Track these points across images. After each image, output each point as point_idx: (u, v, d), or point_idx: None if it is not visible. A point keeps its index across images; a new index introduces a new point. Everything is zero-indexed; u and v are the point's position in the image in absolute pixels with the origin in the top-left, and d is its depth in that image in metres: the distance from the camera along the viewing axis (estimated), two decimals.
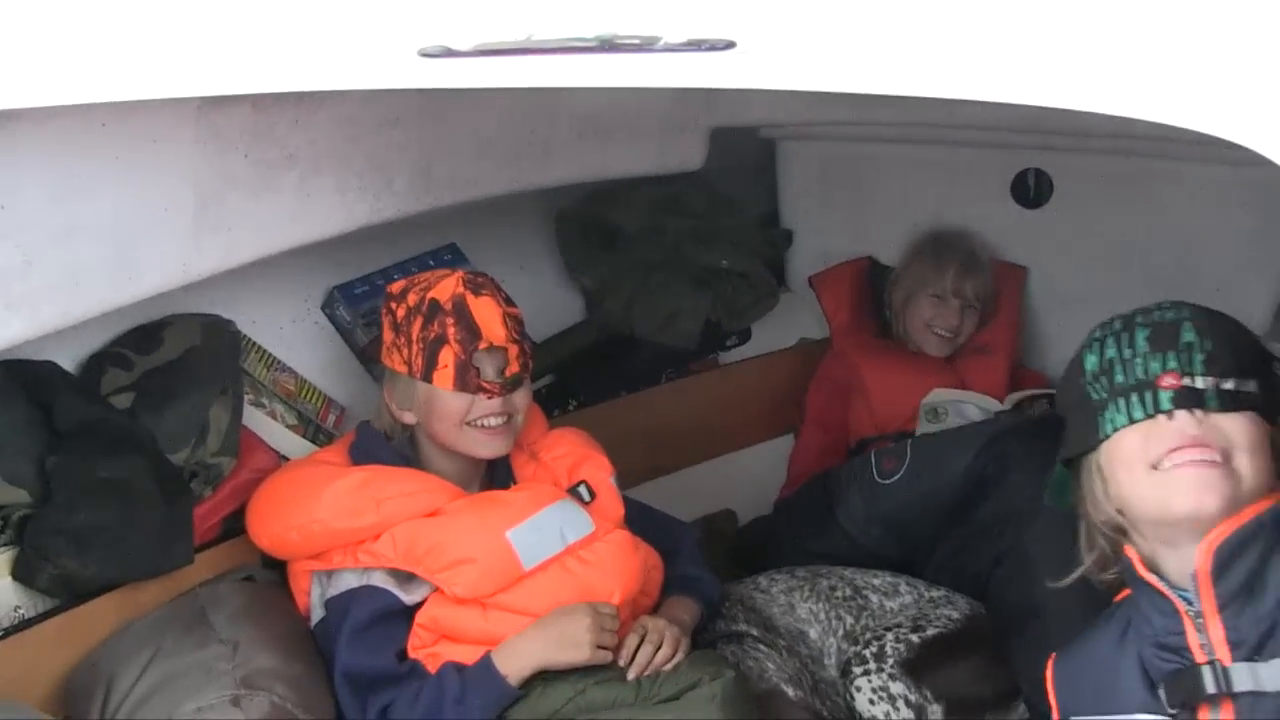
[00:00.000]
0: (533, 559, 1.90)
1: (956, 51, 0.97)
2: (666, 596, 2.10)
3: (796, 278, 3.09)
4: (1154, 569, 1.44)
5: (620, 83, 1.11)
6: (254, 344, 2.26)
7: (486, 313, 1.93)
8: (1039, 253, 2.97)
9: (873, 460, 2.49)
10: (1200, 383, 1.37)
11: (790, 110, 2.79)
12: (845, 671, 2.14)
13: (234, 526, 2.07)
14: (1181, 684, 1.40)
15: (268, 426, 2.18)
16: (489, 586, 1.88)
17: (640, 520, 2.12)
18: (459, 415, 1.93)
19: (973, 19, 0.96)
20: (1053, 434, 2.24)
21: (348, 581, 1.90)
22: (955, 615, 2.23)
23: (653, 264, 2.74)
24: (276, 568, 2.05)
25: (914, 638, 2.15)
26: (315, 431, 2.25)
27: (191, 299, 2.12)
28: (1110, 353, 1.45)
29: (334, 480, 1.93)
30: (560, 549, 1.93)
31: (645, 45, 1.06)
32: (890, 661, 2.11)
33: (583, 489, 2.05)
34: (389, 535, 1.88)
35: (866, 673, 2.10)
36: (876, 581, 2.33)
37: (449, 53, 1.13)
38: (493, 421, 1.95)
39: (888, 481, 2.43)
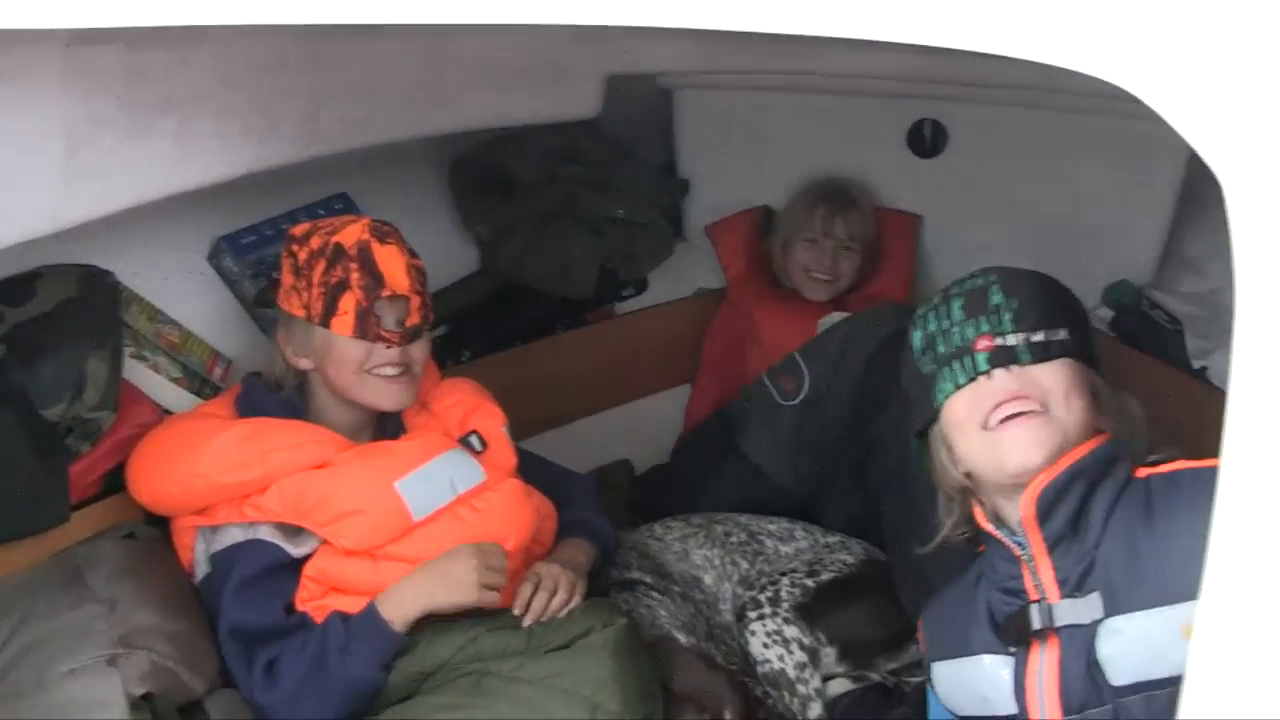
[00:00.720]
0: (422, 509, 1.88)
1: None
2: (560, 541, 2.10)
3: (693, 228, 3.08)
4: (997, 522, 1.54)
5: (500, 19, 1.08)
6: (136, 295, 2.19)
7: (391, 261, 1.89)
8: (934, 202, 3.00)
9: (769, 384, 2.48)
10: (1011, 339, 1.48)
11: (687, 58, 2.77)
12: (740, 616, 2.16)
13: (115, 483, 2.01)
14: (1014, 623, 1.50)
15: (150, 380, 2.12)
16: (378, 538, 1.86)
17: (533, 471, 2.11)
18: (356, 363, 1.90)
19: None
20: None
21: (233, 536, 1.86)
22: (850, 560, 2.26)
23: (548, 213, 2.71)
24: (159, 524, 2.00)
25: (809, 582, 2.18)
26: (201, 385, 2.19)
27: (68, 249, 2.04)
28: (931, 326, 1.56)
29: (218, 433, 1.88)
30: (450, 499, 1.91)
31: None
32: (785, 606, 2.13)
33: (474, 439, 2.03)
34: (275, 488, 1.84)
35: (761, 617, 2.12)
36: (772, 527, 2.35)
37: None
38: (389, 371, 1.91)
39: (792, 403, 2.43)
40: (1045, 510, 1.45)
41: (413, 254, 1.95)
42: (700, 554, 2.27)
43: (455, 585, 1.81)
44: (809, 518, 2.45)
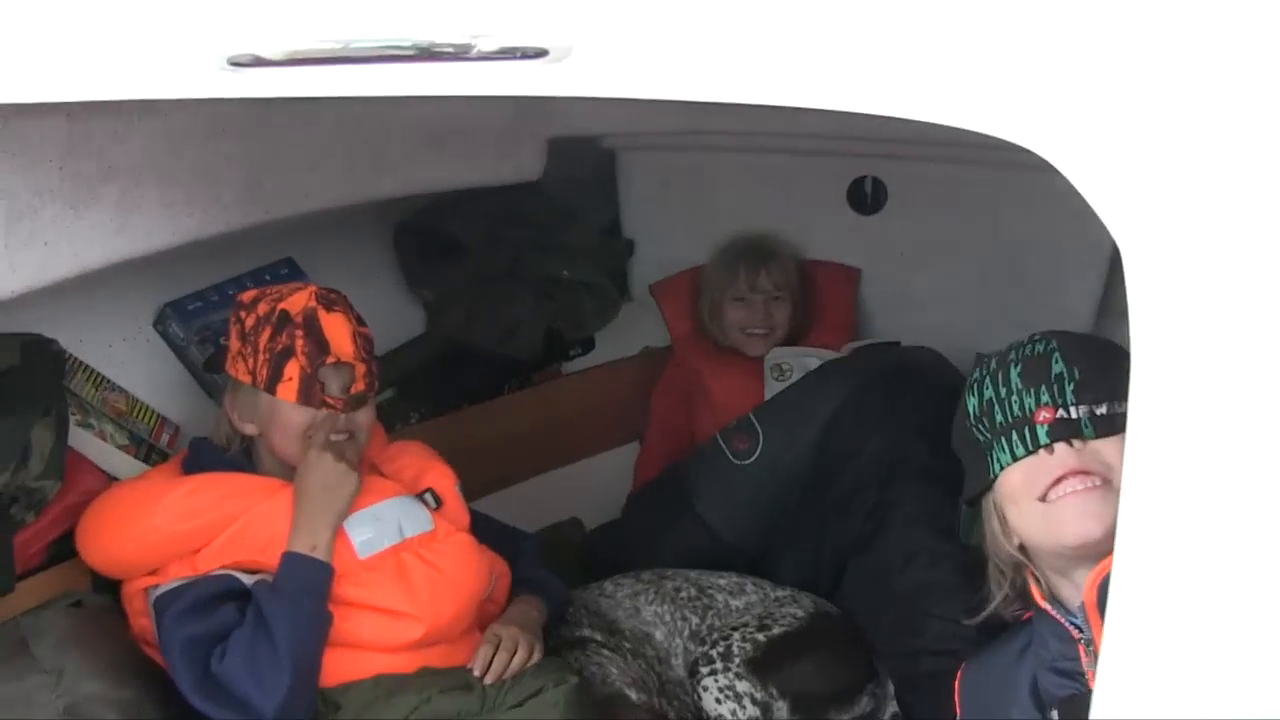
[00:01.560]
0: (368, 549, 1.88)
1: (774, 59, 0.99)
2: (511, 599, 2.10)
3: (639, 286, 3.11)
4: (1053, 597, 1.49)
5: (437, 91, 1.11)
6: (81, 363, 2.18)
7: (337, 329, 1.91)
8: (875, 257, 3.04)
9: (722, 444, 2.48)
10: (1074, 412, 1.42)
11: (627, 120, 2.81)
12: (693, 672, 2.16)
13: (61, 552, 1.99)
14: (1074, 708, 1.43)
15: (97, 448, 2.10)
16: None
17: (482, 529, 2.12)
18: (300, 428, 1.91)
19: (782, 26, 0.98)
20: (899, 383, 2.31)
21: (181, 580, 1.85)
22: (800, 613, 2.27)
23: (493, 275, 2.73)
24: (108, 590, 1.98)
25: (760, 636, 2.18)
26: (149, 451, 2.18)
27: (11, 318, 2.03)
28: (988, 393, 1.49)
29: (168, 490, 1.89)
30: (396, 540, 1.91)
31: (460, 53, 1.06)
32: (737, 660, 2.14)
33: (429, 496, 2.04)
34: (224, 536, 1.85)
35: (713, 672, 2.13)
36: (722, 581, 2.36)
37: (259, 61, 1.11)
38: (335, 438, 1.92)
39: (746, 463, 2.44)
40: (1106, 595, 1.42)
41: (360, 321, 1.96)
42: (650, 610, 2.27)
43: (334, 486, 1.85)
44: (760, 573, 2.45)
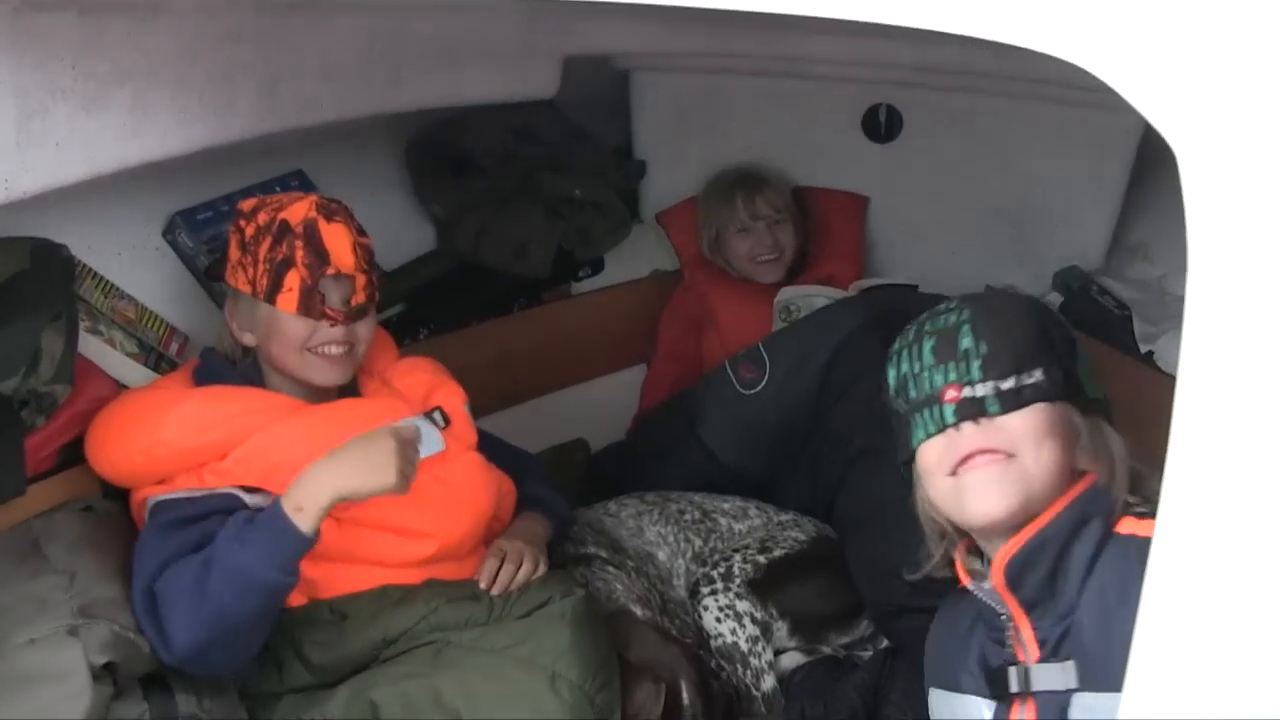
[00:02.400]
0: None
1: None
2: (517, 516, 2.11)
3: (649, 209, 3.11)
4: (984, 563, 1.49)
5: None
6: (90, 270, 2.17)
7: (337, 239, 1.89)
8: (887, 187, 3.03)
9: (730, 371, 2.48)
10: (979, 389, 1.40)
11: (644, 39, 2.79)
12: (694, 592, 2.18)
13: (71, 457, 1.99)
14: (996, 679, 1.46)
15: (106, 355, 2.10)
16: None
17: (488, 448, 2.12)
18: (299, 340, 1.89)
19: None
20: (895, 331, 2.30)
21: (186, 493, 1.84)
22: (802, 537, 2.28)
23: (504, 193, 2.71)
24: (117, 497, 1.99)
25: (761, 558, 2.20)
26: (158, 360, 2.18)
27: (19, 222, 2.02)
28: (904, 367, 1.50)
29: (179, 402, 1.87)
30: None
31: None
32: (738, 581, 2.15)
33: (437, 414, 2.04)
34: (235, 454, 1.84)
35: (714, 592, 2.15)
36: (726, 505, 2.37)
37: None
38: (334, 350, 1.91)
39: (751, 393, 2.44)
40: (1015, 579, 1.40)
41: (360, 232, 1.94)
42: (654, 531, 2.29)
43: (374, 470, 1.68)
44: (762, 499, 2.47)
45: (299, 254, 1.86)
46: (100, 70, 1.80)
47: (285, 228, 1.87)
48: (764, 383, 2.42)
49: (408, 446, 1.73)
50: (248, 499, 1.83)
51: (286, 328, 1.89)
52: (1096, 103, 2.62)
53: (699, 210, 2.99)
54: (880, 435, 2.20)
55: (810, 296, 2.76)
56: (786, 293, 2.77)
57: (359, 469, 1.69)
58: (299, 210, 1.88)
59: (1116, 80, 0.82)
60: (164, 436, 1.83)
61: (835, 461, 2.31)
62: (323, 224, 1.88)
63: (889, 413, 1.57)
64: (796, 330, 2.47)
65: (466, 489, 1.96)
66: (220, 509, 1.78)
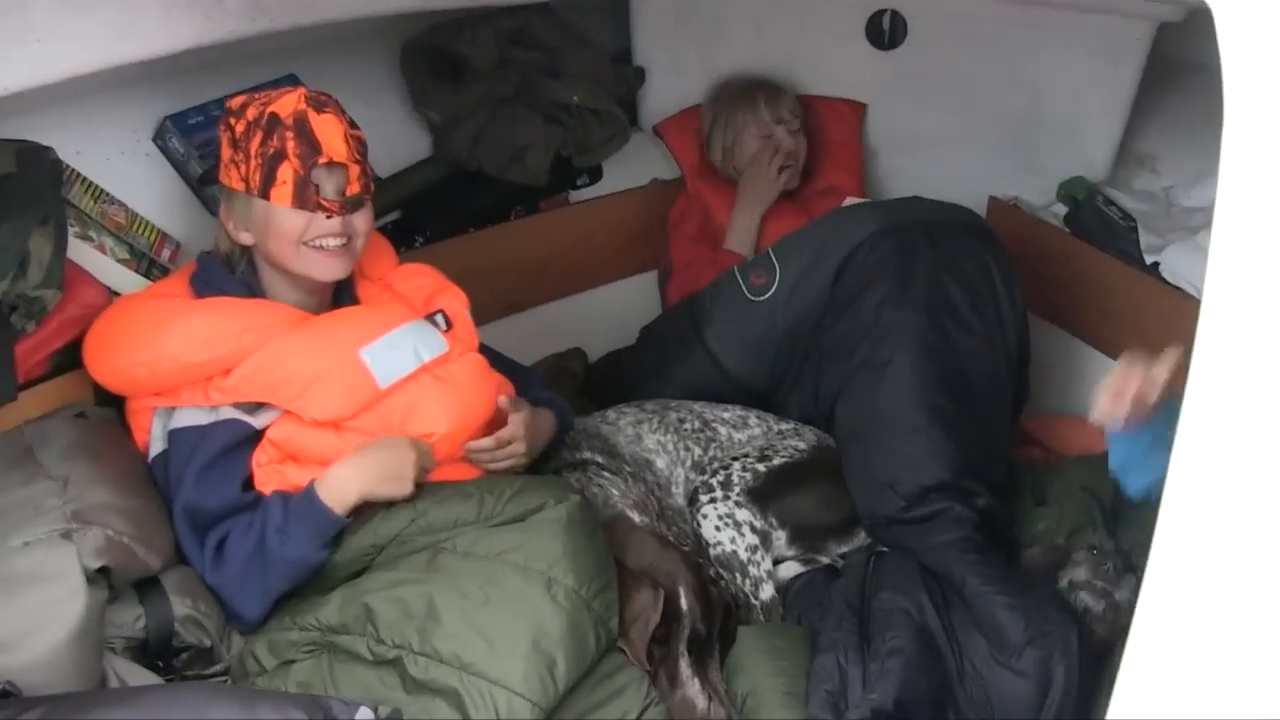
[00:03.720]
0: (387, 377, 1.88)
1: None
2: None
3: (648, 116, 3.06)
4: None
5: None
6: (78, 175, 2.14)
7: (328, 129, 1.85)
8: (891, 95, 2.99)
9: (739, 278, 2.42)
10: None
11: None
12: (692, 500, 2.18)
13: (63, 363, 1.98)
14: None
15: (96, 260, 2.07)
16: (346, 408, 1.85)
17: (488, 358, 2.10)
18: (296, 234, 1.86)
19: None
20: (908, 241, 2.27)
21: (195, 417, 1.85)
22: (802, 446, 2.28)
23: (501, 98, 2.67)
24: (111, 404, 1.98)
25: (760, 467, 2.19)
26: (149, 266, 2.15)
27: (7, 126, 1.99)
28: None
29: (183, 314, 1.85)
30: (415, 367, 1.91)
31: None
32: (736, 489, 2.15)
33: (439, 318, 2.03)
34: (239, 369, 1.83)
35: (713, 500, 2.14)
36: (726, 415, 2.36)
37: None
38: (331, 243, 1.88)
39: (760, 299, 2.40)
40: None
41: (352, 124, 1.90)
42: (653, 439, 2.28)
43: (394, 480, 1.84)
44: (764, 408, 2.45)
45: (290, 145, 1.82)
46: None
47: (275, 120, 1.83)
48: (774, 289, 2.37)
49: (425, 458, 1.87)
50: (253, 421, 1.85)
51: (282, 222, 1.86)
52: (1106, 8, 2.58)
53: (707, 118, 2.93)
54: (884, 346, 2.21)
55: None
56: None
57: (382, 477, 1.83)
58: (288, 103, 1.84)
59: None
60: (169, 350, 1.82)
61: (837, 371, 2.29)
62: (312, 115, 1.84)
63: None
64: (809, 234, 2.40)
65: (470, 388, 1.96)
66: (232, 442, 1.84)
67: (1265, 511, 0.75)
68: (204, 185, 2.24)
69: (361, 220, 1.91)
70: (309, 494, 1.81)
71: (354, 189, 1.88)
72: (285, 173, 1.82)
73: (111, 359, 1.87)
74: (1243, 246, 0.74)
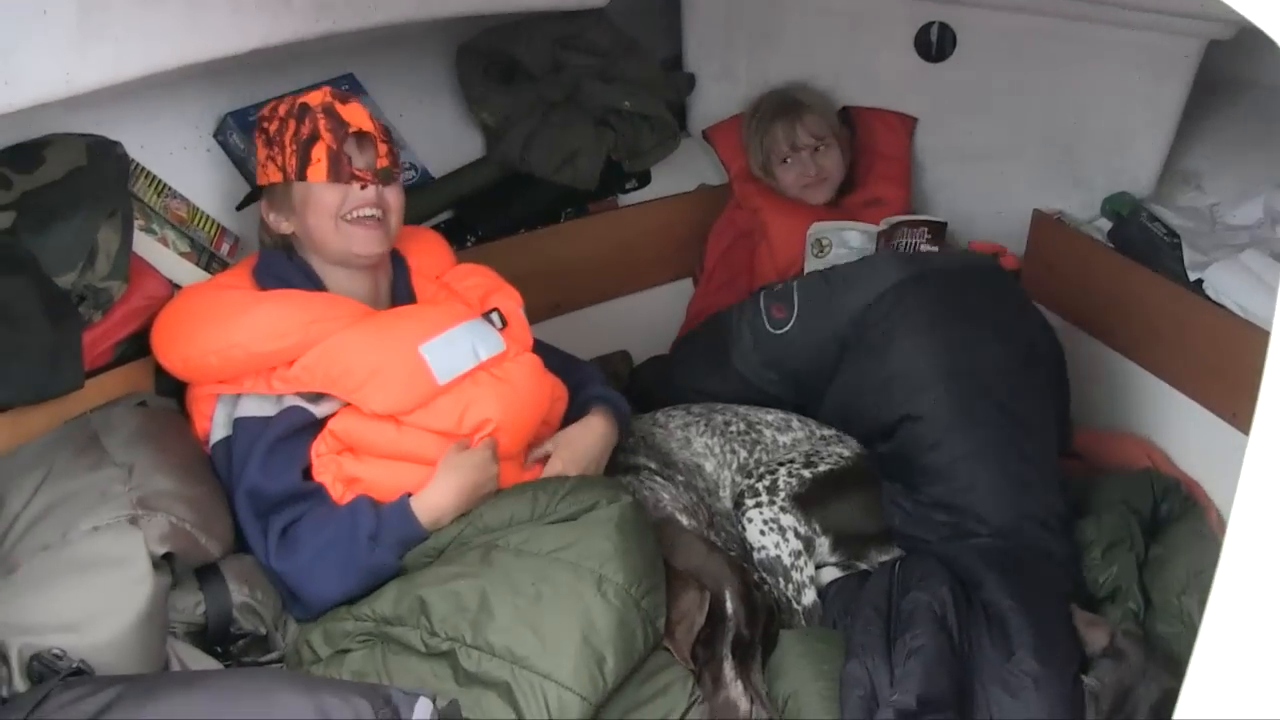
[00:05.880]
0: (446, 374, 1.92)
1: None
2: (587, 412, 2.17)
3: (698, 123, 3.09)
4: None
5: None
6: (143, 169, 2.19)
7: (354, 111, 1.95)
8: (938, 107, 3.00)
9: (762, 306, 2.47)
10: None
11: None
12: (738, 503, 2.20)
13: (127, 352, 2.03)
14: None
15: (159, 253, 2.12)
16: (405, 402, 1.89)
17: (544, 355, 2.14)
18: (334, 207, 1.93)
19: None
20: (938, 288, 2.29)
21: (261, 407, 1.90)
22: (845, 453, 2.29)
23: (553, 102, 2.70)
24: (172, 394, 2.02)
25: (805, 473, 2.21)
26: (209, 259, 2.20)
27: (75, 120, 2.03)
28: None
29: (253, 305, 1.91)
30: (473, 364, 1.95)
31: None
32: (782, 495, 2.17)
33: (495, 316, 2.08)
34: (302, 360, 1.88)
35: (759, 505, 2.16)
36: (769, 418, 2.38)
37: None
38: (366, 212, 1.94)
39: (779, 332, 2.44)
40: None
41: (375, 115, 1.99)
42: (701, 442, 2.30)
43: (484, 494, 1.90)
44: (805, 413, 2.47)
45: (321, 124, 1.91)
46: None
47: (305, 108, 1.92)
48: (789, 325, 2.42)
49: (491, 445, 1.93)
50: (314, 410, 1.90)
51: (320, 198, 1.93)
52: (1155, 25, 2.59)
53: (743, 134, 2.97)
54: (919, 399, 2.22)
55: (842, 230, 2.74)
56: (818, 228, 2.74)
57: (473, 493, 1.89)
58: (316, 96, 1.94)
59: None
60: (238, 339, 1.87)
61: (864, 420, 2.34)
62: (339, 104, 1.94)
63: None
64: (830, 278, 2.44)
65: (526, 388, 2.00)
66: (292, 428, 1.88)
67: None
68: (249, 204, 2.27)
69: (393, 196, 1.99)
70: (403, 508, 1.86)
71: (384, 162, 1.96)
72: (319, 151, 1.90)
73: (182, 347, 1.92)
74: None
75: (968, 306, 2.29)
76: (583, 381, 2.22)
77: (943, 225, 2.68)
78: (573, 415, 2.17)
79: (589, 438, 2.12)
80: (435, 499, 1.87)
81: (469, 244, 2.61)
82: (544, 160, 2.66)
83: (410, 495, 1.87)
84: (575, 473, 2.03)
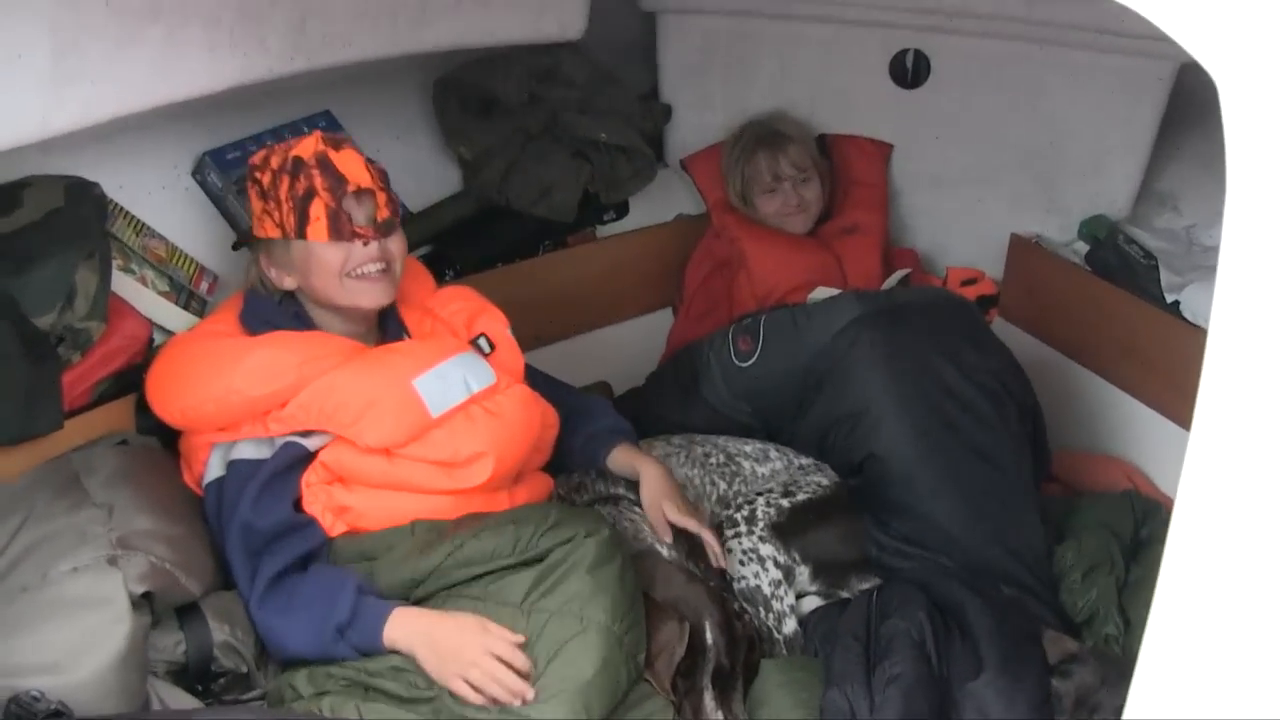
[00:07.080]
0: (439, 407, 1.93)
1: None
2: (614, 447, 2.20)
3: (675, 153, 3.10)
4: None
5: None
6: (121, 209, 2.19)
7: (349, 162, 1.92)
8: (914, 133, 3.02)
9: (730, 338, 2.49)
10: None
11: None
12: (718, 534, 2.19)
13: (107, 392, 2.04)
14: None
15: (138, 293, 2.12)
16: (399, 435, 1.91)
17: (539, 382, 2.18)
18: (337, 266, 1.92)
19: None
20: (898, 323, 2.30)
21: (256, 450, 1.90)
22: (824, 482, 2.29)
23: (530, 135, 2.71)
24: (154, 433, 2.03)
25: (784, 502, 2.22)
26: (188, 298, 2.20)
27: (52, 161, 2.04)
28: None
29: (247, 351, 1.91)
30: (465, 397, 1.97)
31: None
32: (761, 525, 2.17)
33: (482, 341, 2.10)
34: (297, 399, 1.89)
35: (737, 535, 2.16)
36: (748, 449, 2.38)
37: None
38: (371, 269, 1.94)
39: (744, 365, 2.45)
40: None
41: (370, 159, 1.97)
42: (680, 473, 2.30)
43: (449, 667, 1.74)
44: (778, 441, 2.47)
45: (318, 181, 1.89)
46: (133, 6, 1.81)
47: (299, 162, 1.89)
48: (754, 358, 2.43)
49: (497, 645, 1.74)
50: (307, 444, 1.91)
51: (322, 257, 1.92)
52: (1128, 49, 2.61)
53: (723, 163, 2.98)
54: (879, 438, 2.22)
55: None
56: (819, 292, 2.74)
57: (443, 658, 1.75)
58: (308, 146, 1.91)
59: (1157, 15, 0.82)
60: (236, 385, 1.87)
61: (835, 455, 2.35)
62: (332, 153, 1.91)
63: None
64: (794, 316, 2.44)
65: (517, 420, 2.02)
66: (286, 465, 1.89)
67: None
68: (236, 249, 2.27)
69: (395, 245, 1.98)
70: (377, 621, 1.78)
71: (384, 214, 1.94)
72: (317, 209, 1.88)
73: (179, 398, 1.92)
74: (1249, 282, 0.77)
75: (930, 341, 2.29)
76: (586, 408, 2.27)
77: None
78: (590, 449, 2.21)
79: (661, 480, 2.14)
80: (410, 629, 1.78)
81: (448, 277, 2.62)
82: (522, 193, 2.68)
83: (402, 606, 1.82)
84: (687, 510, 2.09)
